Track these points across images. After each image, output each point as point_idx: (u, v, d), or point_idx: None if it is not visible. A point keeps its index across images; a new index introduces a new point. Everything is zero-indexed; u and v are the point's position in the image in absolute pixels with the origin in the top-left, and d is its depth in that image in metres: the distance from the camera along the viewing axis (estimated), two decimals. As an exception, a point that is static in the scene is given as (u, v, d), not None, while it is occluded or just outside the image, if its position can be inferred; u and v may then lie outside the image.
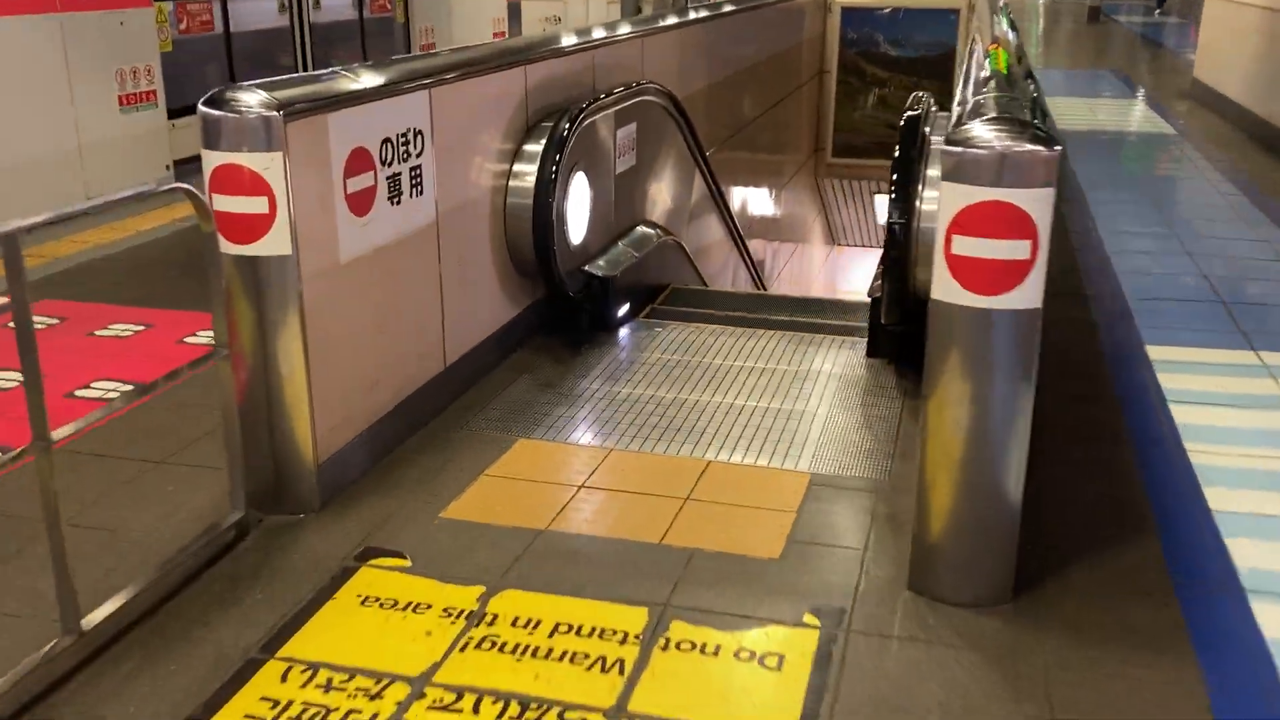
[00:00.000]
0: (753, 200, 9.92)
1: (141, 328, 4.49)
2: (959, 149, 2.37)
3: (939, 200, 2.42)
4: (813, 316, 5.06)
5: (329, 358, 3.03)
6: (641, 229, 5.21)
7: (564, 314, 4.46)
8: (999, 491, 2.52)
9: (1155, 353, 4.17)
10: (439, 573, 2.74)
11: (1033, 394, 2.46)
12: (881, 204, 14.53)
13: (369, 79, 3.19)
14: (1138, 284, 4.99)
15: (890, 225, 3.80)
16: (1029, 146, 2.32)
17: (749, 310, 5.13)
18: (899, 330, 4.11)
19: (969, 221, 2.36)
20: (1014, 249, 2.35)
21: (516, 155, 4.17)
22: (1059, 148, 2.33)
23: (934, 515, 2.60)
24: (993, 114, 2.46)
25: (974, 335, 2.44)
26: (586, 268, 4.45)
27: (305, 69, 9.04)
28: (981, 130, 2.37)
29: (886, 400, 3.94)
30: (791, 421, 3.71)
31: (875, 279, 4.43)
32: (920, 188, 3.80)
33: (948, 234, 2.39)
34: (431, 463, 3.35)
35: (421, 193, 3.46)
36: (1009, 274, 2.37)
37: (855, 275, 17.12)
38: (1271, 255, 5.46)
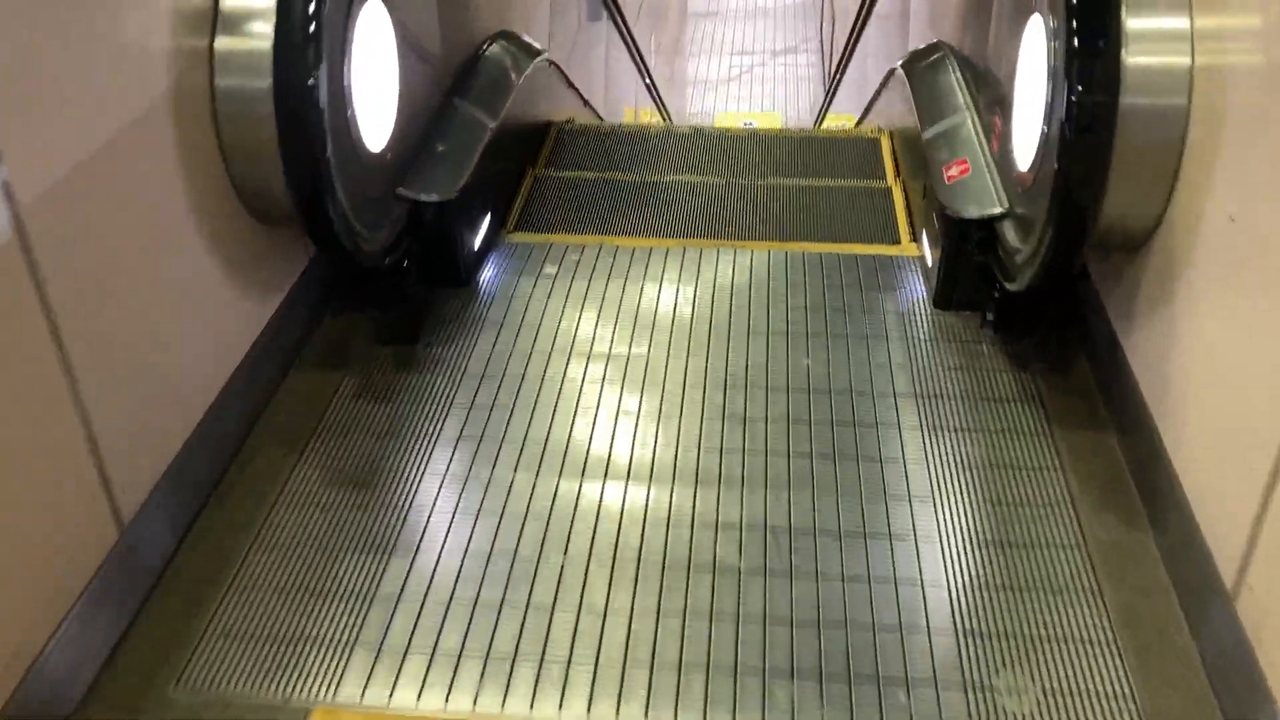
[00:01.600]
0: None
1: None
2: None
3: None
4: (802, 203, 2.99)
5: None
6: (493, 54, 2.95)
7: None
8: None
9: None
10: None
11: None
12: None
13: None
14: None
15: (1072, 102, 1.75)
16: None
17: (689, 201, 3.00)
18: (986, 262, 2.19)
19: None
20: None
21: (223, -24, 1.88)
22: None
23: None
24: None
25: None
26: (405, 190, 2.26)
27: None
28: None
29: (1021, 441, 2.04)
30: (879, 547, 1.80)
31: (943, 167, 2.40)
32: (1123, 13, 1.74)
33: None
34: None
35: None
36: None
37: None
38: None
